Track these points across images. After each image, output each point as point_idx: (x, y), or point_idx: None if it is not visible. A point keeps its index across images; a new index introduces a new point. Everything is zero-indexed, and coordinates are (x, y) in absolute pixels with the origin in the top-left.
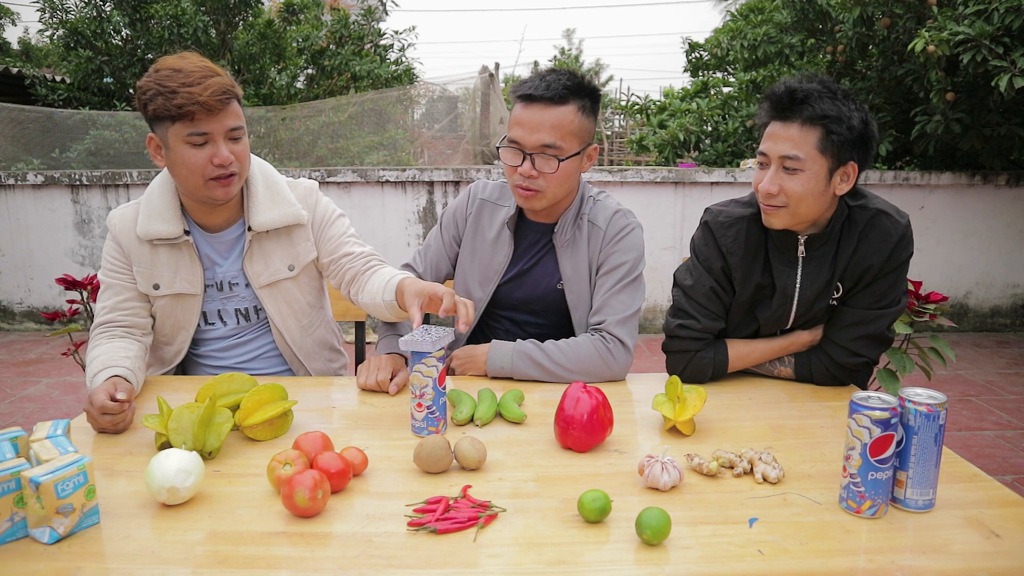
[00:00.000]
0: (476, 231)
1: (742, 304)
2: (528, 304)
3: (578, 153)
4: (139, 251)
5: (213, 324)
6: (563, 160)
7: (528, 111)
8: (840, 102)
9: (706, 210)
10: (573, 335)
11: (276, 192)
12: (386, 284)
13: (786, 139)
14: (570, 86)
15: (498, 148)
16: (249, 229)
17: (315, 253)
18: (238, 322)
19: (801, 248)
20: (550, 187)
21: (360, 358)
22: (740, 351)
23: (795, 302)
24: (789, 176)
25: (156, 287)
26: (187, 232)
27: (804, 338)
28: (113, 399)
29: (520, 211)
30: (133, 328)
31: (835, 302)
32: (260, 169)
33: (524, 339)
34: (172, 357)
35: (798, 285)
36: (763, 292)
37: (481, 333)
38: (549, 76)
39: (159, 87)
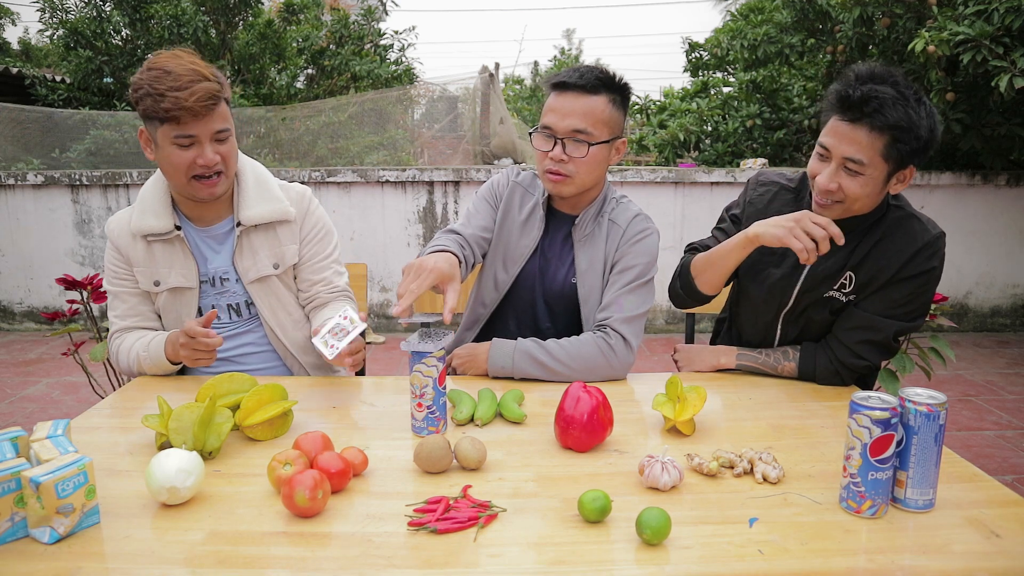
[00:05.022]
0: (507, 211)
1: (746, 262)
2: (544, 295)
3: (607, 142)
4: (136, 250)
5: None
6: (593, 145)
7: (561, 99)
8: (912, 109)
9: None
10: (580, 328)
11: (265, 189)
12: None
13: (853, 141)
14: (602, 78)
15: (531, 134)
16: (239, 224)
17: (297, 258)
18: (231, 317)
19: None
20: (579, 172)
21: None
22: (702, 255)
23: (803, 275)
24: (849, 177)
25: (157, 283)
26: (178, 228)
27: (754, 230)
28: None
29: (548, 201)
30: (149, 331)
31: (845, 298)
32: (252, 168)
33: (535, 331)
34: None
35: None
36: (771, 258)
37: (499, 320)
38: (582, 68)
39: (149, 88)
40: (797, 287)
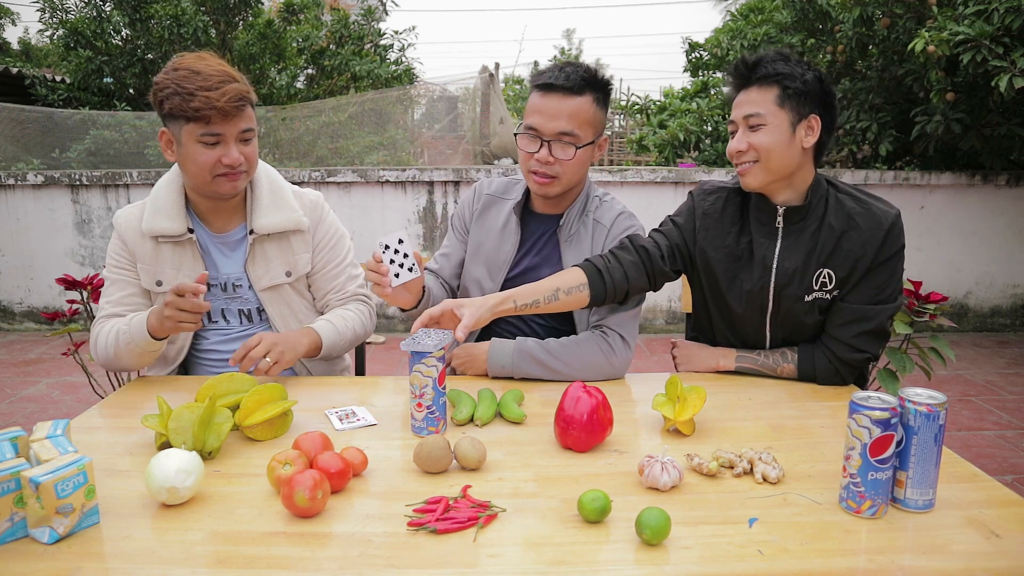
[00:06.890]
0: (483, 225)
1: (717, 272)
2: None
3: (592, 142)
4: (143, 248)
5: (216, 322)
6: (580, 148)
7: (547, 100)
8: (792, 64)
9: (696, 185)
10: (574, 329)
11: (280, 197)
12: None
13: (746, 102)
14: (587, 78)
15: (516, 135)
16: (252, 232)
17: (310, 267)
18: (241, 322)
19: (779, 219)
20: (566, 173)
21: (360, 359)
22: None
23: (773, 273)
24: (754, 132)
25: (159, 283)
26: (191, 231)
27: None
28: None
29: (526, 202)
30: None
31: (829, 295)
32: (266, 174)
33: (527, 331)
34: (175, 355)
35: (776, 255)
36: (739, 264)
37: (491, 325)
38: (567, 68)
39: (177, 87)
40: (771, 287)
